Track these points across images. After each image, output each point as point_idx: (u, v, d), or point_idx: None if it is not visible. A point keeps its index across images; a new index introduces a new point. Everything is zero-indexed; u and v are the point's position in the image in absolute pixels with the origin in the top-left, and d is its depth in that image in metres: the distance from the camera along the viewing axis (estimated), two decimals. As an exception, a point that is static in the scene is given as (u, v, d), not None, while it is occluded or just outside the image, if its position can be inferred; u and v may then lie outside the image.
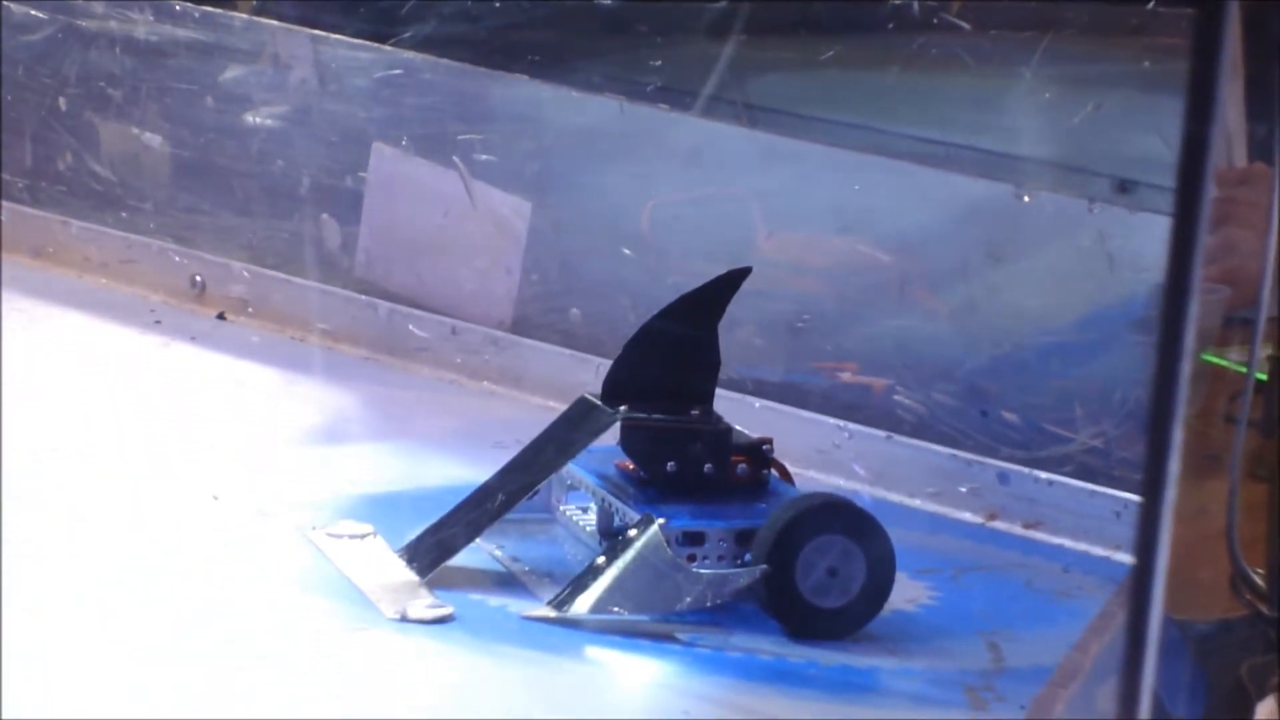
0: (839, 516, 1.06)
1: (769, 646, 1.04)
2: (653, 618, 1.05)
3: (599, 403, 1.13)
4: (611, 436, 1.12)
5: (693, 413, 1.11)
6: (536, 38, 1.61)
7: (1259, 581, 1.06)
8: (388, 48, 1.58)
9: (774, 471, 1.13)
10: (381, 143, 1.57)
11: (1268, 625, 1.05)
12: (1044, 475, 1.29)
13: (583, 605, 1.05)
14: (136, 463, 1.27)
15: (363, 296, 1.57)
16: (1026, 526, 1.29)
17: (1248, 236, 1.28)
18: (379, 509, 1.19)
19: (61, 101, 1.73)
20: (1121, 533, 1.23)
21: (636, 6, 1.66)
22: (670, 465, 1.10)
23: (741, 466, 1.11)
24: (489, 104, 1.55)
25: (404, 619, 1.04)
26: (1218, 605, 1.08)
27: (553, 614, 1.05)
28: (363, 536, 1.14)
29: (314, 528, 1.15)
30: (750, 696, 0.99)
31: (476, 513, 1.11)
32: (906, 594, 1.12)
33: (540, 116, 1.52)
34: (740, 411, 1.27)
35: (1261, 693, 0.98)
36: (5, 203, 1.75)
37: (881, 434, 1.35)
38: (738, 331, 1.36)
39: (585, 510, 1.16)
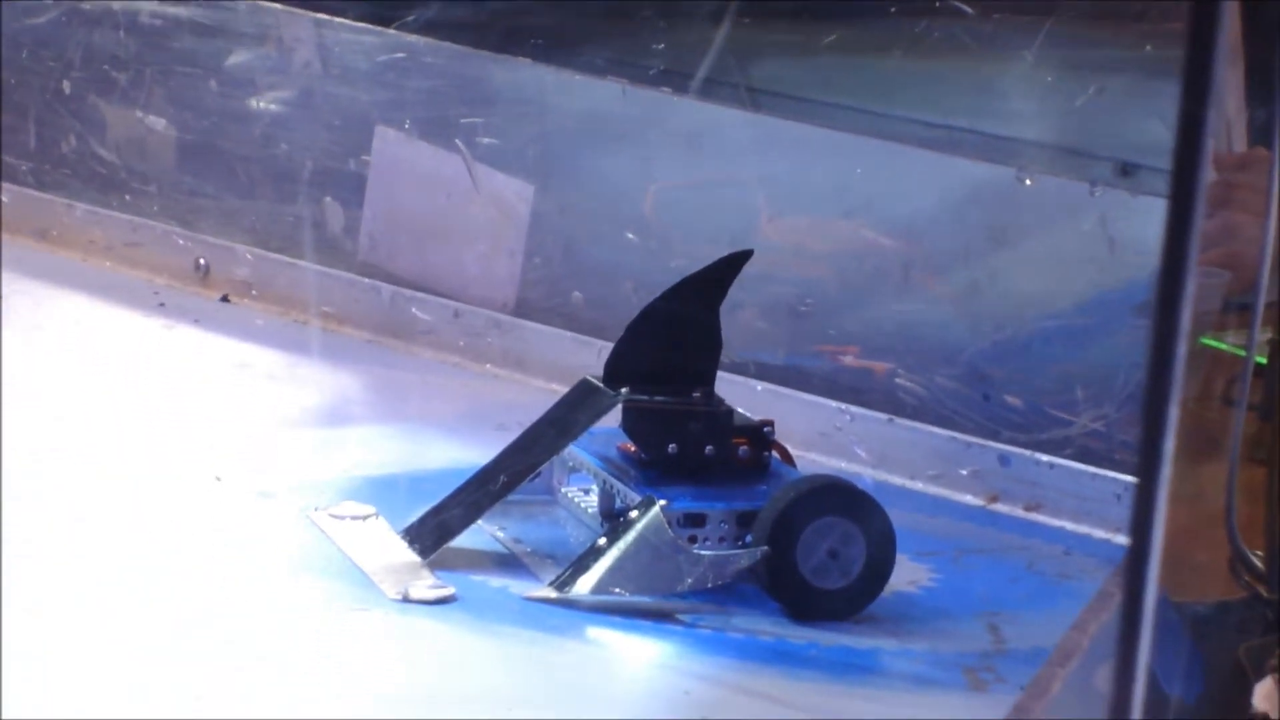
0: (840, 499, 1.06)
1: (770, 627, 1.05)
2: (654, 599, 1.05)
3: (601, 385, 1.13)
4: (613, 418, 1.13)
5: (694, 395, 1.12)
6: (539, 21, 1.60)
7: (1257, 564, 1.06)
8: (391, 31, 1.58)
9: (775, 454, 1.13)
10: (385, 126, 1.57)
11: (1266, 607, 1.05)
12: (1045, 458, 1.29)
13: (584, 586, 1.05)
14: (140, 446, 1.28)
15: (366, 279, 1.57)
16: (1027, 509, 1.29)
17: (1247, 221, 1.28)
18: (381, 490, 1.20)
19: (65, 85, 1.73)
20: (1122, 515, 1.23)
21: (639, -10, 1.66)
22: (672, 447, 1.11)
23: (743, 448, 1.12)
24: (492, 87, 1.55)
25: (406, 600, 1.04)
26: (1216, 587, 1.08)
27: (554, 595, 1.05)
28: (365, 518, 1.14)
29: (316, 509, 1.16)
30: (751, 677, 0.99)
31: (478, 494, 1.12)
32: (907, 576, 1.12)
33: (543, 100, 1.52)
34: (742, 394, 1.27)
35: (1260, 674, 0.98)
36: (10, 185, 1.75)
37: (883, 417, 1.35)
38: (740, 314, 1.36)
39: (587, 492, 1.17)
